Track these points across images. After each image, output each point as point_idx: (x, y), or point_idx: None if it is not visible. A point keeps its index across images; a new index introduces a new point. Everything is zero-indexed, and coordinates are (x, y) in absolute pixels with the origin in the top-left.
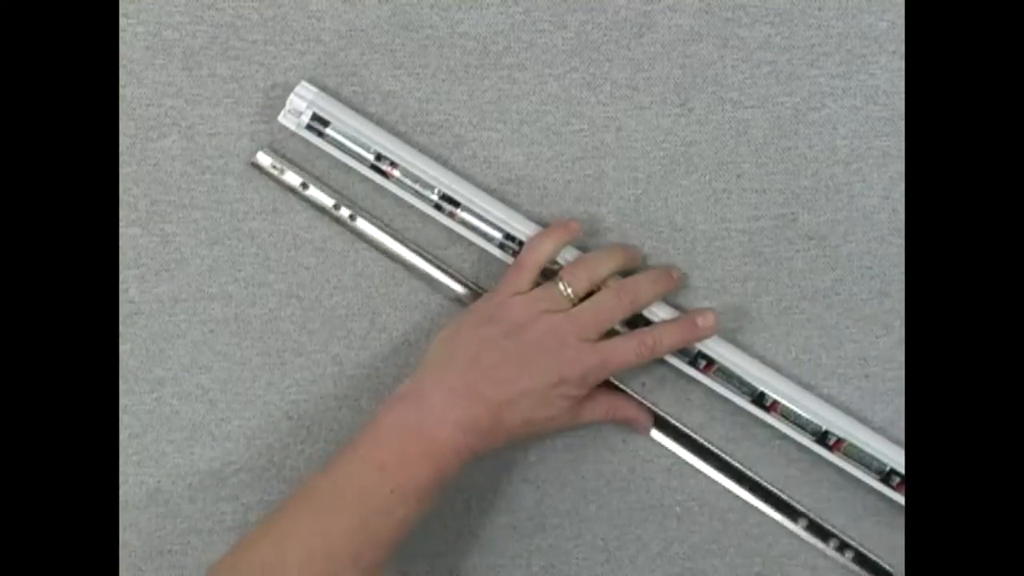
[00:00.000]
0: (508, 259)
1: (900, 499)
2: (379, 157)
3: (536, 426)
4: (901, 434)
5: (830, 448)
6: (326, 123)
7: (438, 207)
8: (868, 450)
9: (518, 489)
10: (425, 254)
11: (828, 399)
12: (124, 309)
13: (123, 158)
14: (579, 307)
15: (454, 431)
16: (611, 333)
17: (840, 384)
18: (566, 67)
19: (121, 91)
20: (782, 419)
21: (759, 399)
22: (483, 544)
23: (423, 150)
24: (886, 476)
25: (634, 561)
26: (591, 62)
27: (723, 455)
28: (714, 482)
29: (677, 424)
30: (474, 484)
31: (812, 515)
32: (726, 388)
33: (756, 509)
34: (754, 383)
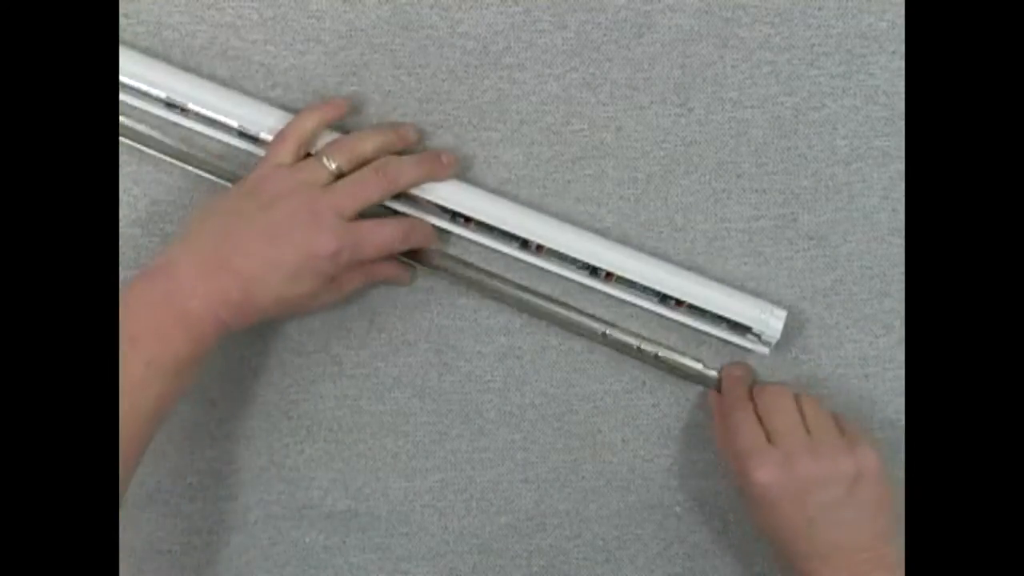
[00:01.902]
0: (253, 148)
1: (678, 316)
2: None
3: (291, 304)
4: (902, 435)
5: (604, 278)
6: None
7: (169, 105)
8: (637, 279)
9: (518, 489)
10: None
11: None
12: None
13: (123, 158)
14: (338, 182)
15: (204, 302)
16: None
17: (840, 384)
18: (566, 67)
19: (121, 91)
20: (550, 259)
21: (524, 244)
22: (483, 544)
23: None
24: (662, 298)
25: (634, 561)
26: (591, 62)
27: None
28: (713, 481)
29: (447, 264)
30: (474, 484)
31: (612, 324)
32: (491, 239)
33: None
34: (517, 232)
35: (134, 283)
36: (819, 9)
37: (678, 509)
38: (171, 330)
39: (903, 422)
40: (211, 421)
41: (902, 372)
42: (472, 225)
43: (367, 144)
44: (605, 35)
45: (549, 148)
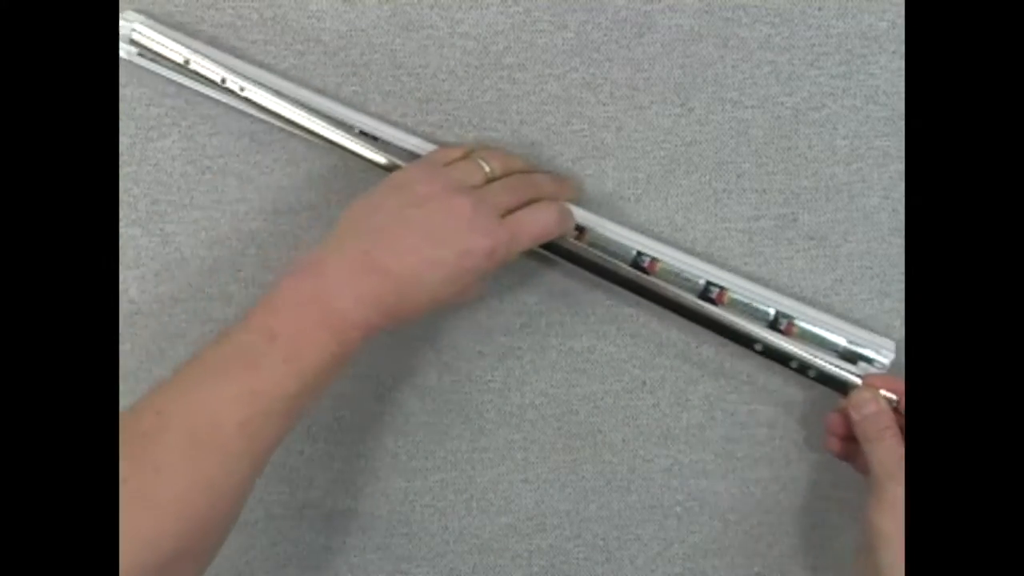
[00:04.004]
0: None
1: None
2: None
3: (443, 303)
4: None
5: (714, 302)
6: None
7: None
8: (749, 298)
9: (518, 489)
10: (324, 116)
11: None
12: (124, 309)
13: (123, 158)
14: (493, 184)
15: (353, 304)
16: None
17: None
18: (566, 67)
19: (121, 91)
20: (662, 281)
21: (637, 261)
22: (483, 544)
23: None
24: (773, 322)
25: (634, 561)
26: (591, 62)
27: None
28: (713, 481)
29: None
30: (474, 484)
31: (768, 339)
32: (604, 255)
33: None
34: (629, 244)
35: (282, 281)
36: (819, 9)
37: (678, 509)
38: (315, 330)
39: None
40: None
41: (902, 372)
42: (586, 237)
43: (517, 159)
44: (605, 35)
45: (549, 148)
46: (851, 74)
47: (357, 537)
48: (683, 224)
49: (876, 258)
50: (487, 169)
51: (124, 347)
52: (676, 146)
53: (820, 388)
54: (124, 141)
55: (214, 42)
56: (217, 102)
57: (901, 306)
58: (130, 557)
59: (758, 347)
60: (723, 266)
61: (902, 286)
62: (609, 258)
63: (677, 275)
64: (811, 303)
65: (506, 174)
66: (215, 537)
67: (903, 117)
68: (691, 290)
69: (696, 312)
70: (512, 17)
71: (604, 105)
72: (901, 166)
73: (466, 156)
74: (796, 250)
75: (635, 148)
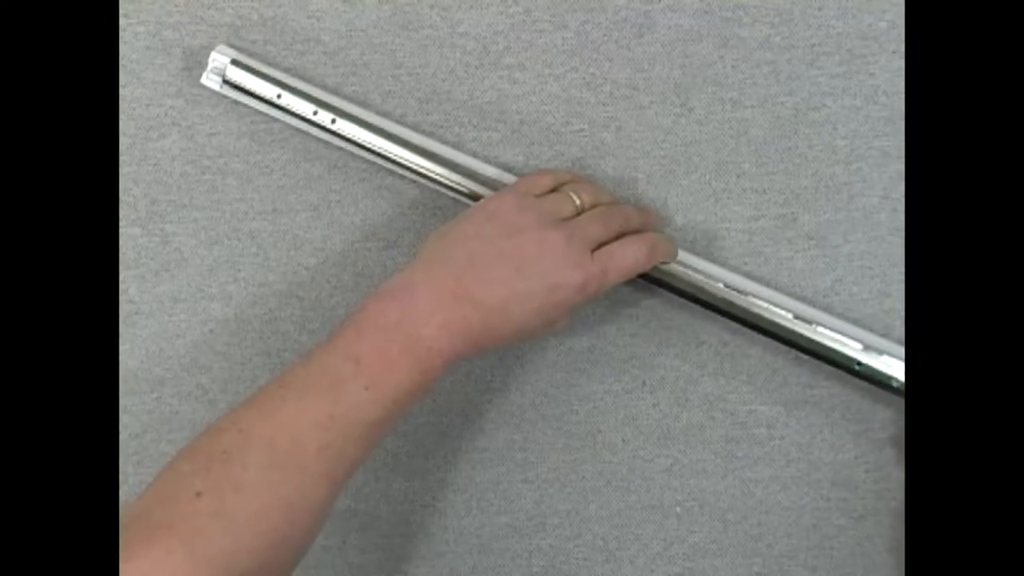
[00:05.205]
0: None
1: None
2: (316, 112)
3: (529, 334)
4: (901, 434)
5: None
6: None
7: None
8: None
9: (518, 489)
10: (415, 146)
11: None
12: (124, 309)
13: (123, 158)
14: (583, 216)
15: (439, 333)
16: None
17: (840, 383)
18: (566, 67)
19: (121, 91)
20: (758, 300)
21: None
22: (483, 544)
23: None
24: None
25: (634, 561)
26: (591, 62)
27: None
28: (713, 481)
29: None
30: (474, 484)
31: (864, 360)
32: (695, 274)
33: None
34: (717, 275)
35: (369, 304)
36: (819, 9)
37: (678, 509)
38: (399, 357)
39: (903, 421)
40: (211, 421)
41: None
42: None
43: (605, 191)
44: (605, 35)
45: (549, 148)
46: (851, 74)
47: (357, 537)
48: (683, 224)
49: (876, 258)
50: (578, 202)
51: (124, 347)
52: (676, 146)
53: (820, 388)
54: (124, 141)
55: (215, 42)
56: (217, 103)
57: (901, 306)
58: (207, 571)
59: (857, 366)
60: (724, 265)
61: (902, 286)
62: (704, 280)
63: (769, 301)
64: (811, 303)
65: (595, 206)
66: (293, 554)
67: (903, 117)
68: (785, 315)
69: (792, 333)
70: (512, 17)
71: (604, 105)
72: (901, 166)
73: (556, 186)
74: (796, 250)
75: (635, 148)
